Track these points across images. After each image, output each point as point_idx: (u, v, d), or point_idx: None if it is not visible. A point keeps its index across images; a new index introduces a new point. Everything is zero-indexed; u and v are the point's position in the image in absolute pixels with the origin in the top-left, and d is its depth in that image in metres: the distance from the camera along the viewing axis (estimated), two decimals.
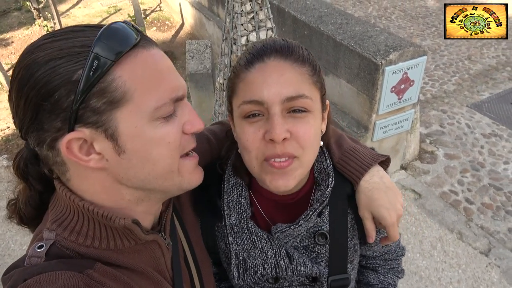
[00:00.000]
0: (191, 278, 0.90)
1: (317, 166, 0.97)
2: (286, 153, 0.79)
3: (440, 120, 4.46)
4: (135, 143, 0.66)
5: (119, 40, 0.62)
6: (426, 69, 5.33)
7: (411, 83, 3.13)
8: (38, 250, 0.65)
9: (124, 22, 0.68)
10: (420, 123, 4.16)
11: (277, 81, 0.79)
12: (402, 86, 3.11)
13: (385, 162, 1.03)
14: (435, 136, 4.23)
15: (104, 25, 0.65)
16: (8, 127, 5.01)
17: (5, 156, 4.50)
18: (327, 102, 0.93)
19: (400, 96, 3.17)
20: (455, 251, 3.07)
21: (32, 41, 0.66)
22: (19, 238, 3.43)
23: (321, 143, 0.95)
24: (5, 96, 5.57)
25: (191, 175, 0.77)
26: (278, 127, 0.77)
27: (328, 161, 0.97)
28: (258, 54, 0.83)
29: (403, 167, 3.84)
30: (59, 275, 0.60)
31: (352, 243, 0.99)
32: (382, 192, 0.92)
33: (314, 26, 3.51)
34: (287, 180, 0.83)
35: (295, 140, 0.79)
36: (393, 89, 3.08)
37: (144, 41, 0.68)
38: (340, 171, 0.97)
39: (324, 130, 0.94)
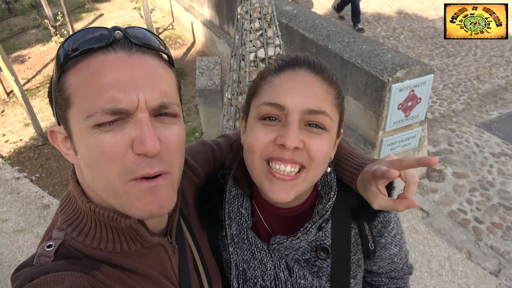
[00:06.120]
0: (201, 284, 0.89)
1: (320, 180, 0.95)
2: (294, 161, 0.78)
3: (449, 138, 4.44)
4: (80, 146, 0.66)
5: (71, 48, 0.66)
6: (434, 89, 5.34)
7: (418, 101, 3.15)
8: (48, 249, 0.67)
9: (115, 28, 0.68)
10: (428, 142, 4.14)
11: (303, 92, 0.78)
12: (409, 104, 3.12)
13: None
14: (443, 154, 4.20)
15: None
16: (21, 140, 5.11)
17: (17, 167, 4.58)
18: (342, 131, 0.92)
19: (407, 114, 3.18)
20: (464, 271, 3.01)
21: (48, 57, 0.74)
22: (26, 249, 3.47)
23: (328, 169, 0.93)
24: (20, 110, 5.71)
25: (137, 202, 0.66)
26: (293, 135, 0.75)
27: (332, 175, 0.95)
28: (290, 62, 0.83)
29: None
30: (65, 275, 0.61)
31: (356, 257, 0.97)
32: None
33: (322, 44, 3.57)
34: (287, 193, 0.80)
35: (307, 152, 0.78)
36: (400, 106, 3.10)
37: (119, 45, 0.66)
38: (338, 175, 0.95)
39: (332, 157, 0.91)
